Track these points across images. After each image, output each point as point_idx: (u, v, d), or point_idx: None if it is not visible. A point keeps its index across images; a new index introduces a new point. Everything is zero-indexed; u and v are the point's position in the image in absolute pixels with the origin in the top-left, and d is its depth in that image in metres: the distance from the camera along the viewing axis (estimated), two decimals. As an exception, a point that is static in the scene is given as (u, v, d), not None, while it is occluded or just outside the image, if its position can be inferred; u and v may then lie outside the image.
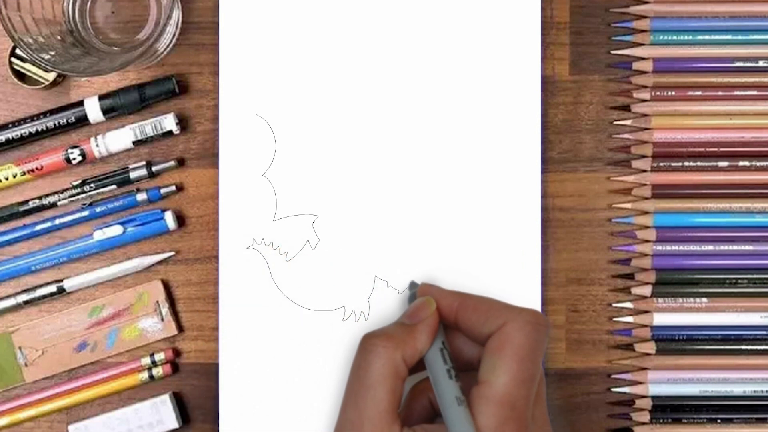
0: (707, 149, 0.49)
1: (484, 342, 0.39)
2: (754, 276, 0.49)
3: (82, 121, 0.49)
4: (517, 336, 0.38)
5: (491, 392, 0.38)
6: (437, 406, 0.40)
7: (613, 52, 0.50)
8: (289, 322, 0.49)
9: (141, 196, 0.49)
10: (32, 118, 0.49)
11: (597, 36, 0.50)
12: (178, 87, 0.49)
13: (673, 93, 0.49)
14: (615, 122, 0.50)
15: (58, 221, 0.49)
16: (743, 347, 0.49)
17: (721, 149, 0.49)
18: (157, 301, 0.50)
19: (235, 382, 0.48)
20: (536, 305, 0.48)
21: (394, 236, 0.49)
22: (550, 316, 0.50)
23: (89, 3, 0.49)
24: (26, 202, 0.49)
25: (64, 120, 0.49)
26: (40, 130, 0.49)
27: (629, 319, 0.50)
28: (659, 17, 0.49)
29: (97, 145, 0.49)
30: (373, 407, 0.38)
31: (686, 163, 0.49)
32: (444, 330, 0.42)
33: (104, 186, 0.49)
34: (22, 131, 0.49)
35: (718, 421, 0.50)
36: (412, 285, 0.46)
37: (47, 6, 0.47)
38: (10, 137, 0.49)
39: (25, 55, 0.45)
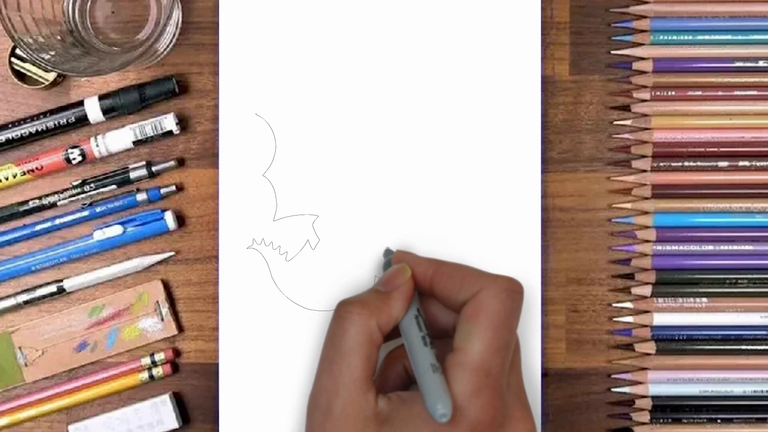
0: (707, 149, 0.49)
1: (459, 309, 0.39)
2: (754, 276, 0.49)
3: (82, 121, 0.49)
4: (492, 303, 0.38)
5: (466, 359, 0.37)
6: (412, 373, 0.39)
7: (613, 52, 0.50)
8: (289, 322, 0.49)
9: (141, 196, 0.49)
10: (32, 118, 0.49)
11: (597, 36, 0.50)
12: (178, 87, 0.49)
13: (673, 93, 0.49)
14: (615, 122, 0.50)
15: (58, 221, 0.49)
16: (743, 347, 0.49)
17: (721, 149, 0.49)
18: (157, 301, 0.50)
19: (235, 382, 0.48)
20: (536, 305, 0.48)
21: (394, 236, 0.49)
22: (550, 316, 0.50)
23: (89, 3, 0.49)
24: (26, 202, 0.49)
25: (64, 120, 0.49)
26: (40, 130, 0.49)
27: (629, 319, 0.50)
28: (659, 17, 0.49)
29: (97, 145, 0.49)
30: (347, 374, 0.38)
31: (686, 163, 0.49)
32: (419, 297, 0.42)
33: (104, 186, 0.49)
34: (22, 131, 0.49)
35: (718, 421, 0.50)
36: (387, 252, 0.45)
37: (47, 6, 0.47)
38: (10, 137, 0.49)
39: (25, 55, 0.45)
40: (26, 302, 0.49)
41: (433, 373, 0.37)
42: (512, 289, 0.39)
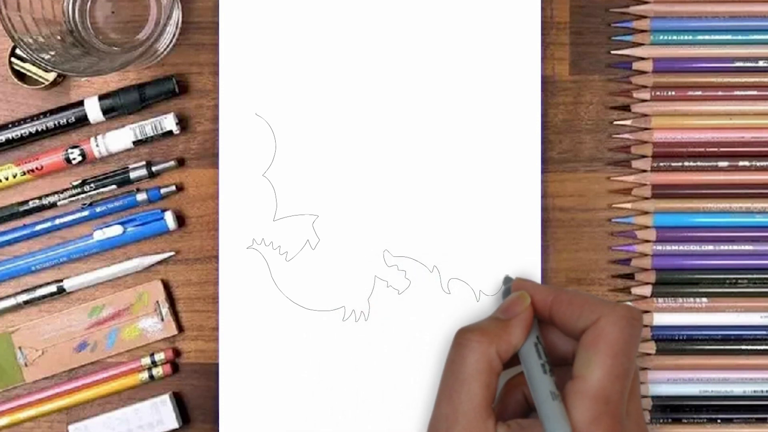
0: (707, 149, 0.49)
1: (579, 337, 0.39)
2: (754, 276, 0.49)
3: (82, 121, 0.49)
4: (612, 331, 0.38)
5: (586, 387, 0.37)
6: (531, 401, 0.39)
7: (613, 52, 0.50)
8: (289, 322, 0.49)
9: (141, 196, 0.49)
10: (32, 118, 0.49)
11: (597, 36, 0.50)
12: (178, 87, 0.49)
13: (673, 93, 0.49)
14: (615, 122, 0.50)
15: (58, 221, 0.49)
16: (743, 347, 0.49)
17: (721, 149, 0.49)
18: (157, 301, 0.50)
19: (235, 382, 0.48)
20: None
21: (394, 236, 0.49)
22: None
23: (89, 3, 0.49)
24: (26, 202, 0.49)
25: (64, 120, 0.49)
26: (40, 130, 0.49)
27: (629, 319, 0.50)
28: (659, 17, 0.49)
29: (97, 145, 0.49)
30: (467, 402, 0.38)
31: (686, 163, 0.49)
32: (538, 324, 0.42)
33: (104, 186, 0.49)
34: (22, 131, 0.49)
35: (718, 421, 0.50)
36: (507, 280, 0.45)
37: (47, 6, 0.47)
38: (10, 137, 0.49)
39: (25, 55, 0.45)
40: (26, 302, 0.49)
41: (552, 400, 0.37)
42: (632, 317, 0.39)
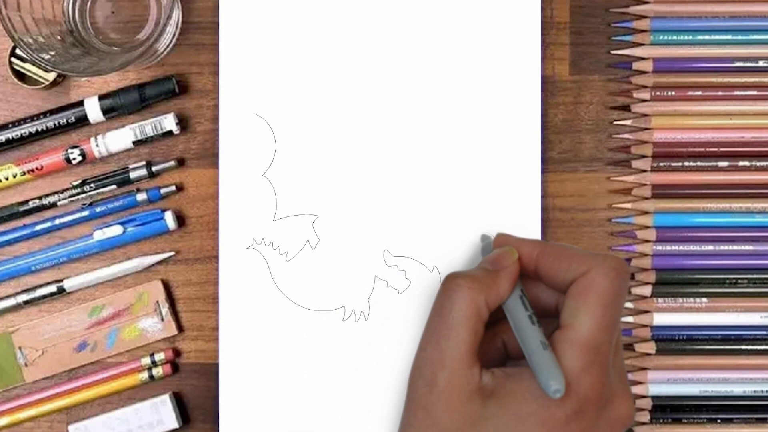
0: (707, 149, 0.49)
1: (564, 289, 0.39)
2: (754, 276, 0.49)
3: (82, 121, 0.49)
4: (602, 281, 0.38)
5: (576, 335, 0.37)
6: (511, 350, 0.40)
7: (613, 52, 0.50)
8: (289, 322, 0.49)
9: (141, 196, 0.49)
10: (32, 118, 0.49)
11: (597, 36, 0.50)
12: (178, 87, 0.49)
13: (673, 93, 0.49)
14: (615, 122, 0.50)
15: (58, 221, 0.49)
16: (743, 347, 0.49)
17: (721, 149, 0.49)
18: (157, 301, 0.50)
19: (235, 382, 0.48)
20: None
21: (394, 236, 0.49)
22: (551, 316, 0.50)
23: (89, 3, 0.49)
24: (26, 202, 0.49)
25: (64, 120, 0.49)
26: (40, 130, 0.49)
27: (629, 319, 0.50)
28: (659, 17, 0.49)
29: (97, 145, 0.49)
30: (455, 347, 0.38)
31: (686, 163, 0.49)
32: (520, 278, 0.42)
33: (104, 186, 0.49)
34: (22, 131, 0.49)
35: (718, 421, 0.50)
36: (484, 237, 0.46)
37: (47, 6, 0.47)
38: (10, 137, 0.49)
39: (25, 55, 0.45)
40: (26, 302, 0.49)
41: (543, 350, 0.37)
42: (621, 269, 0.39)
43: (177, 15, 0.49)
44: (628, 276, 0.39)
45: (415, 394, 0.39)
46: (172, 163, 0.49)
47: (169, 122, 0.49)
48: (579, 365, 0.37)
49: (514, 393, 0.38)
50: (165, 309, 0.49)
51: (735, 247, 0.49)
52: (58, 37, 0.47)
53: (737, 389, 0.49)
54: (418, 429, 0.39)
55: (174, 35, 0.49)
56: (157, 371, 0.49)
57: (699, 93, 0.49)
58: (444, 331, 0.39)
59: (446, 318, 0.39)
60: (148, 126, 0.49)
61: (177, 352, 0.50)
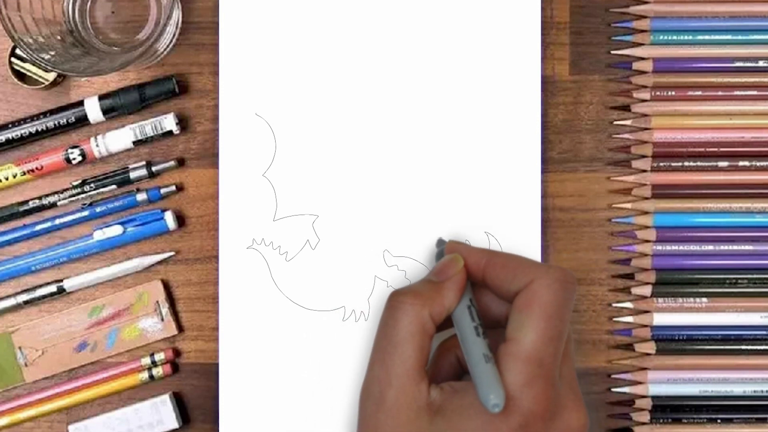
0: (707, 149, 0.49)
1: (512, 299, 0.39)
2: (754, 276, 0.49)
3: (82, 121, 0.49)
4: (545, 293, 0.38)
5: (519, 349, 0.37)
6: (465, 364, 0.39)
7: (613, 52, 0.50)
8: (289, 322, 0.49)
9: (141, 196, 0.49)
10: (32, 118, 0.49)
11: (597, 36, 0.50)
12: (178, 87, 0.49)
13: (673, 93, 0.49)
14: (615, 122, 0.50)
15: (58, 221, 0.49)
16: (743, 347, 0.49)
17: (721, 149, 0.49)
18: (157, 301, 0.50)
19: (235, 382, 0.48)
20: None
21: (394, 236, 0.49)
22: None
23: (89, 3, 0.49)
24: (26, 202, 0.49)
25: (64, 120, 0.49)
26: (40, 130, 0.49)
27: (629, 319, 0.50)
28: (659, 17, 0.49)
29: (97, 145, 0.49)
30: (400, 364, 0.38)
31: (686, 163, 0.49)
32: (471, 287, 0.42)
33: (104, 186, 0.49)
34: (22, 131, 0.49)
35: (718, 421, 0.50)
36: (440, 242, 0.45)
37: (47, 6, 0.47)
38: (10, 137, 0.49)
39: (25, 55, 0.45)
40: (26, 302, 0.49)
41: (485, 363, 0.37)
42: (565, 280, 0.39)
43: (177, 15, 0.49)
44: (573, 287, 0.39)
45: (364, 413, 0.40)
46: (172, 163, 0.49)
47: (169, 122, 0.49)
48: (521, 379, 0.37)
49: (460, 409, 0.37)
50: (165, 309, 0.50)
51: (735, 247, 0.49)
52: (58, 37, 0.47)
53: (737, 389, 0.49)
54: None
55: (174, 35, 0.49)
56: (157, 371, 0.49)
57: (699, 93, 0.49)
58: (389, 349, 0.39)
59: (391, 336, 0.39)
60: (148, 126, 0.49)
61: (177, 352, 0.50)
